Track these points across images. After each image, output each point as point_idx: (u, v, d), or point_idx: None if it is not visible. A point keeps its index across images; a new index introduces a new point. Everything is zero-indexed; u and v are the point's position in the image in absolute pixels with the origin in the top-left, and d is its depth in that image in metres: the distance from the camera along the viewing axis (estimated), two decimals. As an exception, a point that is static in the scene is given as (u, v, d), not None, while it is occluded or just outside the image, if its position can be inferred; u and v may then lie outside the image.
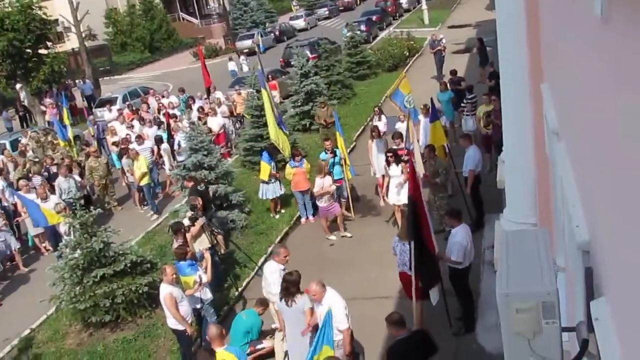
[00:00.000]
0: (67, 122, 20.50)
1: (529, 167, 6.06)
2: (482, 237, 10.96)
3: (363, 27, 35.92)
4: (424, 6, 42.71)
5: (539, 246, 3.26)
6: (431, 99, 13.47)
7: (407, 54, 30.17)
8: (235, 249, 12.42)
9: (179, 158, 16.46)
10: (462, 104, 16.02)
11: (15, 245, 13.77)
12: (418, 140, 13.65)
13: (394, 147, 13.15)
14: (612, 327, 2.34)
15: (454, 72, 19.37)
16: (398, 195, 11.96)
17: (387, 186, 12.35)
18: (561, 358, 2.90)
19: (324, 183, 12.28)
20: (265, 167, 13.75)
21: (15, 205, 14.78)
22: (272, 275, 8.69)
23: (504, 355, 3.07)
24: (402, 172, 11.99)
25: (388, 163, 12.29)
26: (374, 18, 41.21)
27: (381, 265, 10.86)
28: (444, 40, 25.37)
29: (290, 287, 7.82)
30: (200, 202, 10.98)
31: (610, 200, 2.31)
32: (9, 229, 13.87)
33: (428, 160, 11.88)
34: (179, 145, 16.66)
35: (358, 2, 59.09)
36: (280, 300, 7.96)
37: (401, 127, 14.27)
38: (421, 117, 14.94)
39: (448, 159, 12.78)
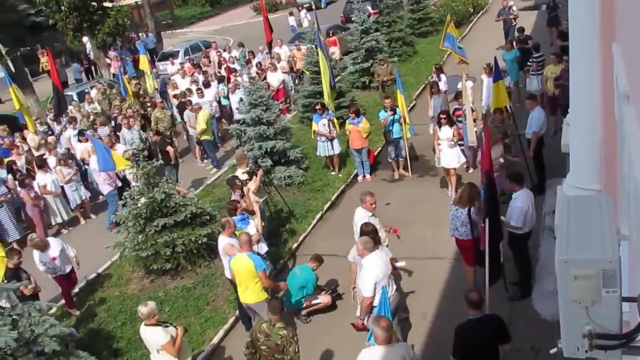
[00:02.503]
0: (146, 69, 21.31)
1: (596, 131, 5.85)
2: (543, 202, 10.73)
3: (427, -18, 34.86)
4: (491, -40, 41.04)
5: (602, 213, 3.18)
6: (495, 58, 13.02)
7: (472, 10, 29.23)
8: (293, 204, 12.61)
9: (238, 116, 16.53)
10: (528, 63, 15.50)
11: (85, 194, 14.37)
12: (478, 101, 13.46)
13: (457, 106, 12.93)
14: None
15: (521, 30, 18.65)
16: (448, 159, 11.82)
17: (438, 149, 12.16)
18: (620, 328, 2.85)
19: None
20: (313, 126, 13.91)
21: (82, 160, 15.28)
22: (360, 222, 8.66)
23: (559, 322, 3.04)
24: (453, 135, 11.80)
25: (439, 125, 12.06)
26: (439, -28, 39.91)
27: (437, 225, 10.84)
28: (514, 8, 22.92)
29: (370, 238, 7.80)
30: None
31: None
32: (79, 178, 14.40)
33: (497, 123, 11.62)
34: (240, 101, 16.69)
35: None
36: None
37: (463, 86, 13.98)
38: (484, 76, 14.56)
39: (510, 120, 12.46)
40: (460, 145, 12.40)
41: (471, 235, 8.48)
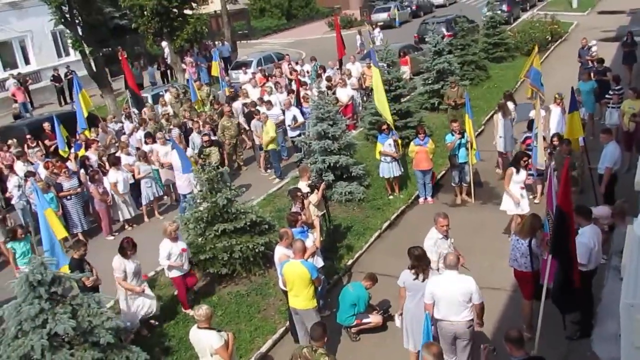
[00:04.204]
0: (216, 73, 22.94)
1: (674, 171, 5.61)
2: (611, 240, 10.32)
3: (505, 7, 34.28)
4: (574, -12, 40.11)
5: (675, 258, 3.03)
6: (572, 88, 12.69)
7: (549, 38, 28.59)
8: (352, 220, 12.57)
9: (292, 133, 16.66)
10: (608, 96, 15.01)
11: (158, 192, 14.78)
12: (548, 130, 13.16)
13: (528, 134, 12.64)
14: None
15: (600, 61, 18.10)
16: (525, 204, 11.11)
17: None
18: (686, 381, 2.70)
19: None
20: (377, 146, 13.76)
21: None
22: (427, 242, 8.58)
23: (621, 367, 2.90)
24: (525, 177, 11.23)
25: (517, 169, 11.05)
26: (518, -2, 39.27)
27: (495, 254, 10.62)
28: (594, 49, 21.08)
29: (421, 261, 7.72)
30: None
31: None
32: (155, 175, 14.75)
33: (564, 154, 11.24)
34: (294, 119, 16.85)
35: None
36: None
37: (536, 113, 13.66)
38: (553, 106, 14.15)
39: (582, 153, 12.08)
40: (530, 175, 12.09)
41: (530, 267, 8.25)
